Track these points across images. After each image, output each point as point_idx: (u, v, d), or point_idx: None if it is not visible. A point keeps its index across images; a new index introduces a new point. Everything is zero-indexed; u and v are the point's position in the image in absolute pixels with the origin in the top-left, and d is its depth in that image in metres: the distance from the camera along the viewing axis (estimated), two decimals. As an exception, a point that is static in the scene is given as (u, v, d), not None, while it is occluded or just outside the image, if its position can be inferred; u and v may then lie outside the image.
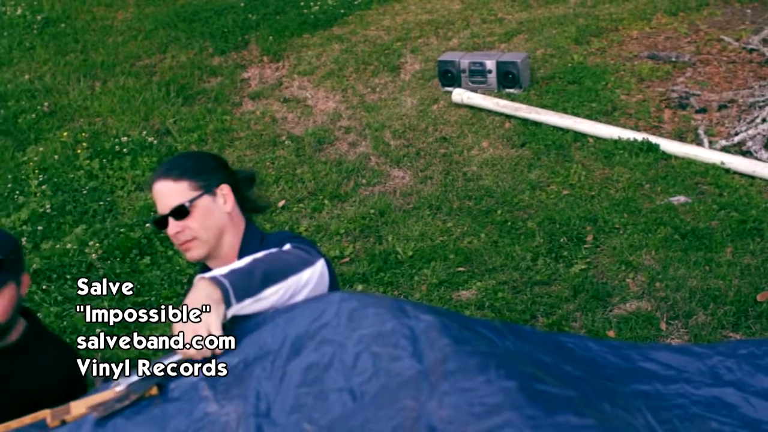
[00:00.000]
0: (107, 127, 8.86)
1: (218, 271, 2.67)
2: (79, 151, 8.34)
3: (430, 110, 8.77)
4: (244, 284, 2.64)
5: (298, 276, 2.73)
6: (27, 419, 2.59)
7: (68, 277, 6.71)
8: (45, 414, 2.56)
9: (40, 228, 7.36)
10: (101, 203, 7.67)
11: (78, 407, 2.55)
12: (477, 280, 6.47)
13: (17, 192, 7.87)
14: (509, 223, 7.04)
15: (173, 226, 3.17)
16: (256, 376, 2.46)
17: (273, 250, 2.84)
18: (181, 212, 3.15)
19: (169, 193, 3.18)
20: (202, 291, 2.62)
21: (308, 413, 2.33)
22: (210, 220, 3.19)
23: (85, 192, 7.82)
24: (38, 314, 6.33)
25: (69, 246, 7.01)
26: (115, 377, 2.62)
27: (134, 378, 2.57)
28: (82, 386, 3.43)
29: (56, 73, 9.95)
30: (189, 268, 6.74)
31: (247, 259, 2.77)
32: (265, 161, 8.20)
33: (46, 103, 9.36)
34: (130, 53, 10.27)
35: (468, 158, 8.00)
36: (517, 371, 2.27)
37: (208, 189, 3.19)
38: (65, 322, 6.28)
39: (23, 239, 7.23)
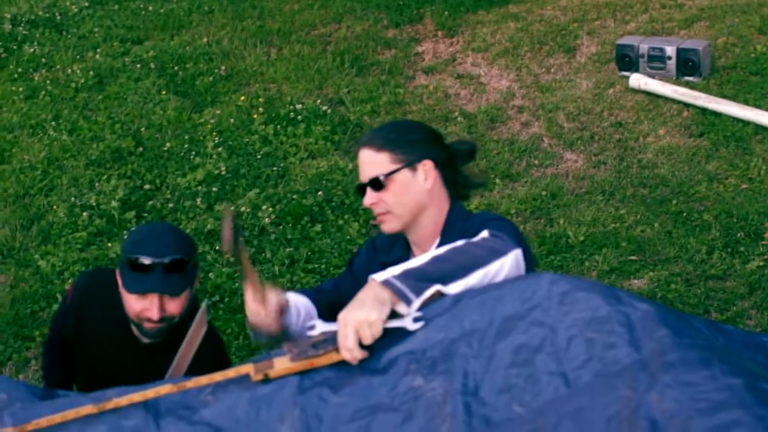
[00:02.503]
0: (282, 94, 8.96)
1: (391, 271, 2.63)
2: (254, 116, 8.46)
3: (606, 94, 8.63)
4: (416, 288, 2.59)
5: (485, 269, 2.64)
6: (230, 372, 2.62)
7: (240, 239, 6.80)
8: (248, 368, 2.59)
9: (214, 189, 7.48)
10: (274, 168, 7.77)
11: (281, 362, 2.57)
12: (649, 269, 6.36)
13: (193, 153, 8.02)
14: (684, 214, 6.88)
15: (369, 196, 3.15)
16: (462, 354, 2.43)
17: (460, 243, 2.77)
18: (377, 184, 3.12)
19: (369, 162, 3.16)
20: (370, 291, 2.59)
21: (518, 395, 2.30)
22: (407, 196, 3.13)
23: (259, 156, 7.93)
24: (210, 274, 6.46)
25: (243, 209, 7.12)
26: (313, 323, 2.63)
27: (332, 327, 2.57)
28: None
29: (233, 37, 10.09)
30: (359, 238, 6.78)
31: (427, 256, 2.71)
32: (436, 136, 8.17)
33: (222, 67, 9.51)
34: (305, 21, 10.35)
35: (643, 145, 7.85)
36: (740, 368, 2.20)
37: (409, 163, 3.13)
38: (237, 284, 6.38)
39: (198, 200, 7.37)
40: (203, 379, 2.62)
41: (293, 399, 2.50)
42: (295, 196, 7.26)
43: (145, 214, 7.31)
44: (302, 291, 3.31)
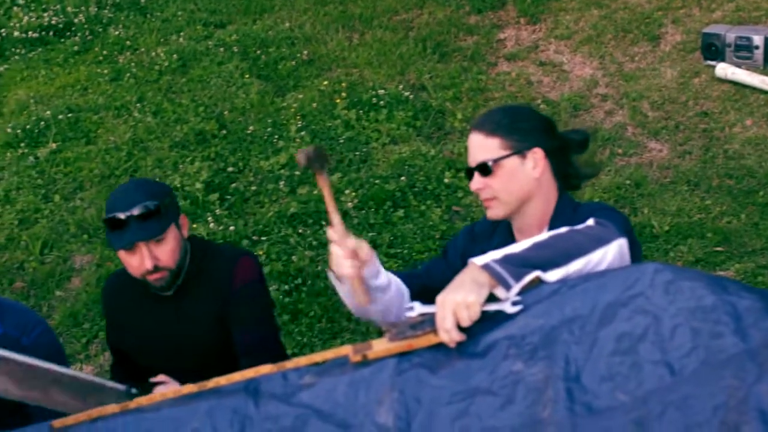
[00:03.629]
0: (364, 79, 8.97)
1: (491, 255, 2.61)
2: (337, 100, 8.48)
3: (691, 83, 8.53)
4: (515, 273, 2.58)
5: (587, 257, 2.61)
6: (329, 353, 2.64)
7: (323, 223, 6.84)
8: (347, 350, 2.60)
9: (297, 173, 7.52)
10: (357, 153, 7.79)
11: (380, 344, 2.58)
12: (735, 261, 6.28)
13: (276, 136, 8.07)
14: (772, 206, 6.81)
15: (476, 181, 3.14)
16: (563, 340, 2.42)
17: (563, 230, 2.75)
18: (484, 169, 3.10)
19: (478, 146, 3.14)
20: (469, 274, 2.58)
21: (621, 383, 2.29)
22: (514, 183, 3.11)
23: (341, 141, 7.95)
24: (293, 257, 6.50)
25: (326, 193, 7.13)
26: (411, 305, 2.63)
27: (430, 309, 2.57)
28: None
29: (315, 22, 10.12)
30: (442, 224, 6.79)
31: (529, 242, 2.69)
32: (519, 124, 8.13)
33: (305, 52, 9.54)
34: (387, 7, 10.33)
35: (730, 135, 7.75)
36: None
37: (519, 150, 3.10)
38: (319, 267, 6.42)
39: (281, 183, 7.41)
40: (302, 360, 2.64)
41: (392, 381, 2.51)
42: (377, 181, 7.27)
43: (228, 197, 7.37)
44: (394, 272, 3.31)
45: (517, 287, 2.54)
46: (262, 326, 3.72)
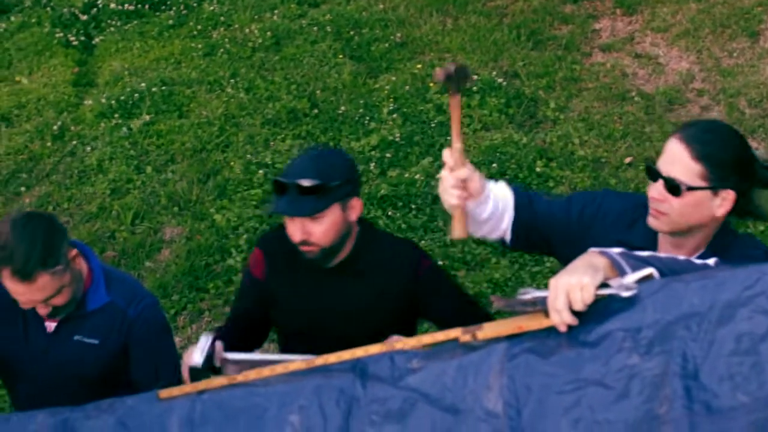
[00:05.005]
0: (457, 64, 8.91)
1: (610, 249, 2.61)
2: (430, 84, 8.45)
3: (791, 81, 8.38)
4: (632, 264, 2.54)
5: None
6: (439, 335, 2.64)
7: (413, 206, 6.84)
8: (457, 332, 2.59)
9: (388, 155, 7.52)
10: (448, 138, 7.70)
11: (491, 327, 2.57)
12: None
13: (368, 118, 8.06)
14: None
15: (659, 191, 2.99)
16: (680, 336, 2.38)
17: (682, 257, 2.74)
18: (674, 188, 2.98)
19: (678, 161, 2.99)
20: (586, 258, 2.56)
21: (742, 384, 2.25)
22: (694, 213, 3.01)
23: (433, 125, 7.92)
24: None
25: (417, 177, 7.13)
26: (526, 289, 2.61)
27: (543, 294, 2.55)
28: None
29: (409, 5, 10.08)
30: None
31: (647, 253, 2.68)
32: (612, 115, 8.05)
33: (398, 34, 9.52)
34: (482, -8, 10.30)
35: (829, 136, 7.61)
36: None
37: (714, 187, 2.98)
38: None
39: (371, 164, 7.41)
40: (411, 341, 2.64)
41: (501, 366, 2.50)
42: (468, 167, 7.23)
43: (318, 176, 7.37)
44: (513, 188, 3.30)
45: (632, 276, 2.51)
46: (462, 294, 3.87)
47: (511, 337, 2.54)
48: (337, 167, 3.48)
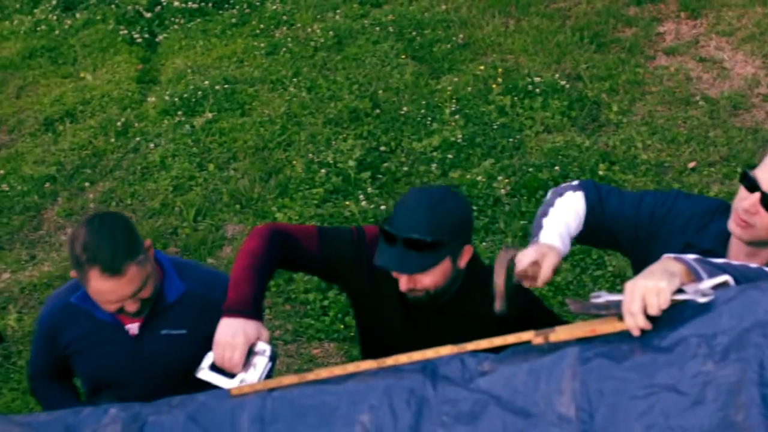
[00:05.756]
0: (519, 66, 8.89)
1: (685, 255, 2.59)
2: (493, 86, 8.43)
3: None
4: (709, 270, 2.52)
5: None
6: (511, 338, 2.63)
7: (474, 208, 6.82)
8: (529, 335, 2.59)
9: (449, 156, 7.51)
10: (510, 140, 7.73)
11: (564, 330, 2.56)
12: None
13: (430, 118, 8.06)
14: None
15: (755, 203, 2.97)
16: (756, 344, 2.37)
17: (754, 265, 2.70)
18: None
19: None
20: (662, 264, 2.54)
21: (822, 392, 2.22)
22: None
23: (495, 127, 7.90)
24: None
25: (478, 178, 7.12)
26: (599, 293, 2.60)
27: (616, 297, 2.54)
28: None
29: (472, 6, 10.06)
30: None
31: (722, 261, 2.65)
32: (676, 119, 7.99)
33: (461, 35, 9.50)
34: (545, -6, 10.26)
35: None
36: None
37: None
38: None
39: (433, 165, 7.41)
40: (483, 343, 2.64)
41: (573, 370, 2.49)
42: (530, 169, 7.22)
43: (380, 176, 7.40)
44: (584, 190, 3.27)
45: (708, 282, 2.50)
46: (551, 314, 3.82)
47: (583, 341, 2.53)
48: (451, 218, 3.31)
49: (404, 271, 3.28)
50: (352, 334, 5.83)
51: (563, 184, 3.41)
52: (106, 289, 3.30)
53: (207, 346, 3.25)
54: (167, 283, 3.57)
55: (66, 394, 3.91)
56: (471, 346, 2.62)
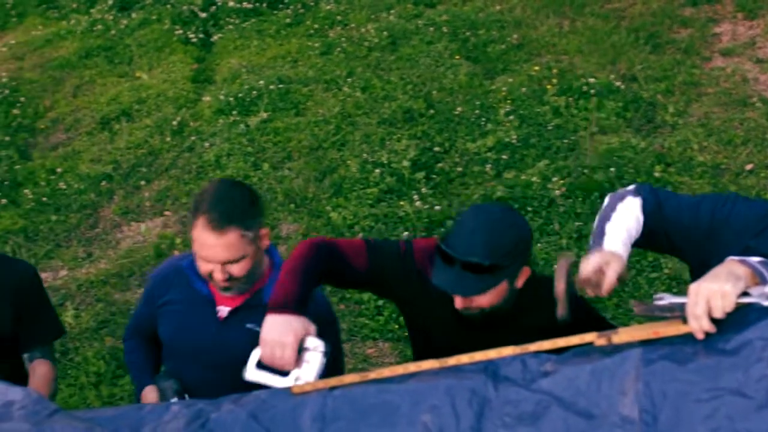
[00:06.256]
0: (574, 66, 8.87)
1: (749, 257, 2.57)
2: (548, 87, 8.40)
3: None
4: None
5: None
6: (574, 339, 2.63)
7: (529, 209, 6.81)
8: (592, 336, 2.59)
9: (504, 157, 7.49)
10: (565, 141, 7.70)
11: (627, 332, 2.55)
12: None
13: (484, 119, 8.05)
14: None
15: None
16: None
17: None
18: None
19: None
20: (726, 267, 2.52)
21: None
22: None
23: (549, 128, 7.88)
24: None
25: (533, 179, 7.10)
26: (661, 295, 2.59)
27: (680, 300, 2.53)
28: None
29: (526, 6, 10.05)
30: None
31: None
32: (733, 121, 7.92)
33: (515, 35, 9.49)
34: (599, -5, 10.21)
35: None
36: None
37: None
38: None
39: (487, 166, 7.40)
40: (546, 344, 2.63)
41: (636, 372, 2.48)
42: (585, 171, 7.18)
43: (434, 176, 7.40)
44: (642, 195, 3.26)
45: None
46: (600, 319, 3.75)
47: (646, 343, 2.52)
48: (510, 241, 3.25)
49: (462, 293, 3.25)
50: (406, 334, 5.81)
51: (621, 189, 3.39)
52: (204, 242, 3.35)
53: None
54: (269, 285, 3.55)
55: (147, 357, 3.94)
56: (533, 347, 2.62)
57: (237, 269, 3.42)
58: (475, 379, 2.63)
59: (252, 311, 3.56)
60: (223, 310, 3.62)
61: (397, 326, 6.02)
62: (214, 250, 3.36)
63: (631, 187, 3.38)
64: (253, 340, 3.34)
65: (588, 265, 3.01)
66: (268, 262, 3.63)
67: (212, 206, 3.33)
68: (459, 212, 3.09)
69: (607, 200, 3.36)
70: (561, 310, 3.02)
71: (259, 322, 3.37)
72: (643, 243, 3.32)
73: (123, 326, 6.16)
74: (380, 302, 6.20)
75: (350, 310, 6.24)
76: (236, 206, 3.35)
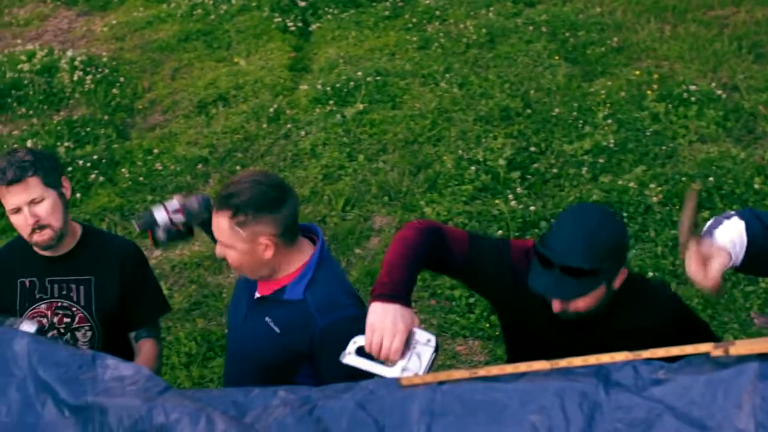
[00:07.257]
0: (674, 73, 8.77)
1: None
2: (647, 92, 8.32)
3: None
4: None
5: None
6: (688, 348, 2.60)
7: (625, 214, 6.75)
8: (707, 347, 2.56)
9: (600, 161, 7.43)
10: (663, 148, 7.62)
11: (744, 344, 2.52)
12: None
13: (582, 121, 7.99)
14: None
15: None
16: None
17: None
18: None
19: None
20: None
21: None
22: None
23: (648, 133, 7.80)
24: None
25: (630, 185, 7.03)
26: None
27: None
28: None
29: (627, 10, 9.96)
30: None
31: None
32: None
33: (615, 39, 9.41)
34: (702, 1, 10.05)
35: None
36: None
37: None
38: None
39: (584, 169, 7.35)
40: (659, 351, 2.61)
41: (753, 386, 2.44)
42: (683, 179, 7.10)
43: (529, 176, 7.37)
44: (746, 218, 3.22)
45: None
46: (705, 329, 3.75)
47: (763, 356, 2.49)
48: (609, 244, 3.23)
49: (561, 297, 3.23)
50: (497, 332, 5.81)
51: (724, 213, 3.35)
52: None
53: (293, 356, 3.38)
54: (294, 283, 3.51)
55: None
56: (647, 354, 2.59)
57: (231, 253, 3.45)
58: (586, 382, 2.61)
59: (274, 305, 3.54)
60: (256, 295, 3.64)
61: (487, 325, 6.00)
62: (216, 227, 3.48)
63: (734, 211, 3.34)
64: (265, 334, 3.39)
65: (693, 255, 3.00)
66: (305, 259, 3.55)
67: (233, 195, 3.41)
68: (557, 215, 3.04)
69: (711, 221, 3.32)
70: (681, 255, 3.01)
71: (275, 319, 3.41)
72: (749, 268, 3.27)
73: (215, 309, 6.28)
74: (472, 299, 6.19)
75: (441, 306, 6.24)
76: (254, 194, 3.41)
